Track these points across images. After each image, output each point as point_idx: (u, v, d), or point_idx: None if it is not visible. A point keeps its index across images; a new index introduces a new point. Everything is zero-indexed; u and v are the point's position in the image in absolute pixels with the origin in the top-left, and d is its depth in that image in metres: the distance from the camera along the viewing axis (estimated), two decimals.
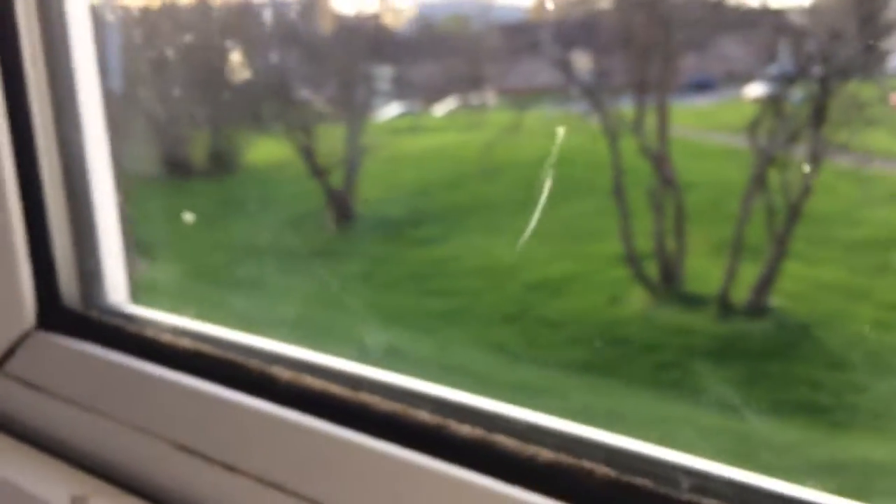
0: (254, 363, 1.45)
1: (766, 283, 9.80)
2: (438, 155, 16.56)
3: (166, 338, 1.54)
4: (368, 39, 16.95)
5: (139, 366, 1.53)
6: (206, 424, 1.43)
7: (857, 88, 10.36)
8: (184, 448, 1.43)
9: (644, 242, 10.88)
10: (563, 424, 1.35)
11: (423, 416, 1.32)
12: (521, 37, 17.38)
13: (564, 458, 1.19)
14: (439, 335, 9.88)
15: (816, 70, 10.78)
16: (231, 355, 1.48)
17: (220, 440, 1.41)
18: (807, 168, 10.01)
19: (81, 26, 1.67)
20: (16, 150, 1.53)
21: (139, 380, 1.51)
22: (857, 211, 11.41)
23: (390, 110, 20.55)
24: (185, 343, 1.52)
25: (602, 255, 11.69)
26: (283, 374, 1.42)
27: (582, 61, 17.55)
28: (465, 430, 1.27)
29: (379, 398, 1.37)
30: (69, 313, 1.61)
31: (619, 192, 11.16)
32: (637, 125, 11.46)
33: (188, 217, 10.96)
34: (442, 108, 17.80)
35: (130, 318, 1.63)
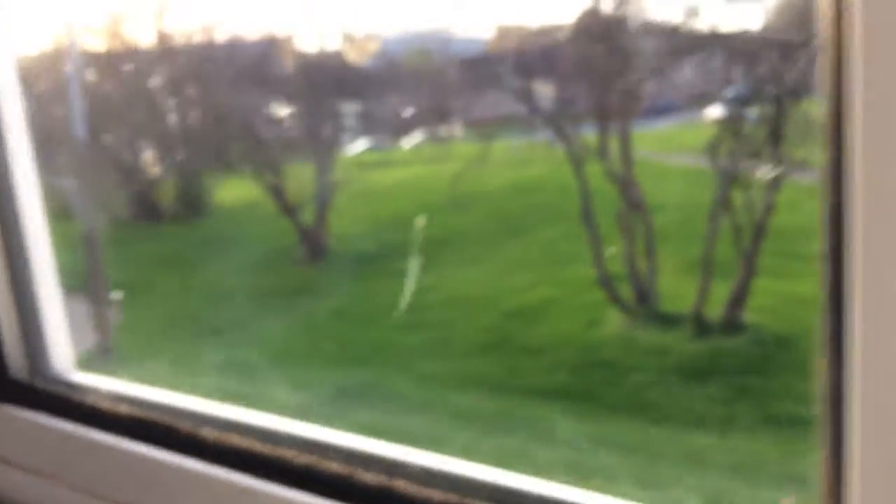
0: (184, 425, 1.51)
1: (738, 299, 9.89)
2: (408, 188, 16.57)
3: (106, 404, 1.58)
4: (333, 76, 16.98)
5: (81, 432, 1.60)
6: (143, 483, 1.51)
7: (811, 106, 10.61)
8: None
9: (617, 265, 10.93)
10: (454, 466, 1.50)
11: (335, 466, 1.43)
12: (483, 69, 17.55)
13: (452, 498, 1.33)
14: (416, 370, 9.77)
15: (770, 90, 11.04)
16: (164, 418, 1.55)
17: (157, 497, 1.48)
18: (769, 185, 10.18)
19: (10, 107, 1.67)
20: None
21: (82, 445, 1.57)
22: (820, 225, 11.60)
23: (358, 145, 20.55)
24: (123, 409, 1.57)
25: (576, 280, 11.73)
26: (211, 434, 1.49)
27: (543, 90, 17.77)
28: (370, 477, 1.40)
29: (296, 451, 1.47)
30: (15, 384, 1.66)
31: (587, 217, 11.23)
32: (601, 151, 11.60)
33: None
34: (409, 142, 17.85)
35: (73, 386, 1.66)
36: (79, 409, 1.63)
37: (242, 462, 1.49)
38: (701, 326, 9.70)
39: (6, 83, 1.63)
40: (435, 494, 1.36)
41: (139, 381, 6.91)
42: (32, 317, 1.71)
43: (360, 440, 1.58)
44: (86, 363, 8.51)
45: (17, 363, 1.70)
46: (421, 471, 1.46)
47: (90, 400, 1.61)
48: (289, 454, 1.45)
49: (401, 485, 1.41)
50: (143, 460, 1.53)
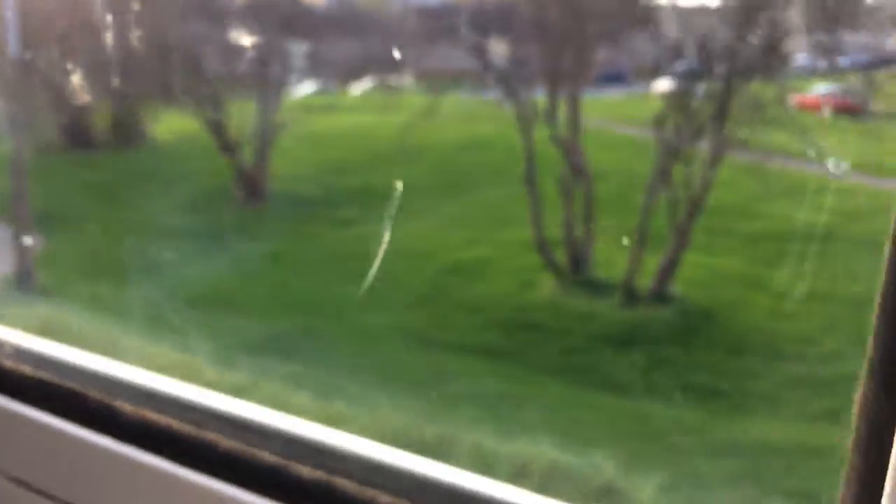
0: (95, 395, 1.32)
1: (667, 271, 10.10)
2: (354, 135, 16.27)
3: (7, 364, 1.39)
4: (284, 13, 16.42)
5: None
6: (45, 459, 1.33)
7: (759, 88, 10.77)
8: (21, 482, 1.33)
9: (556, 230, 11.02)
10: (405, 462, 1.32)
11: (266, 456, 1.24)
12: (439, 20, 17.24)
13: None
14: (351, 320, 9.71)
15: (720, 69, 11.15)
16: (73, 385, 1.35)
17: (59, 476, 1.31)
18: (709, 162, 10.35)
19: None
20: None
21: None
22: (755, 205, 11.90)
23: (305, 87, 20.04)
24: (26, 370, 1.38)
25: (515, 241, 11.78)
26: (126, 407, 1.30)
27: (498, 49, 17.58)
28: (306, 471, 1.22)
29: (222, 436, 1.28)
30: None
31: (530, 180, 11.25)
32: (549, 115, 11.58)
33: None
34: (358, 88, 17.48)
35: None
36: None
37: (160, 443, 1.33)
38: (630, 295, 9.89)
39: None
40: (382, 498, 1.21)
41: (55, 314, 6.65)
42: None
43: (299, 424, 1.41)
44: (3, 290, 8.18)
45: None
46: (366, 466, 1.29)
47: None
48: (214, 437, 1.29)
49: (342, 483, 1.25)
50: (44, 431, 1.35)
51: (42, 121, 15.99)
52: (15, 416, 1.37)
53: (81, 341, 6.22)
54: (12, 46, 11.97)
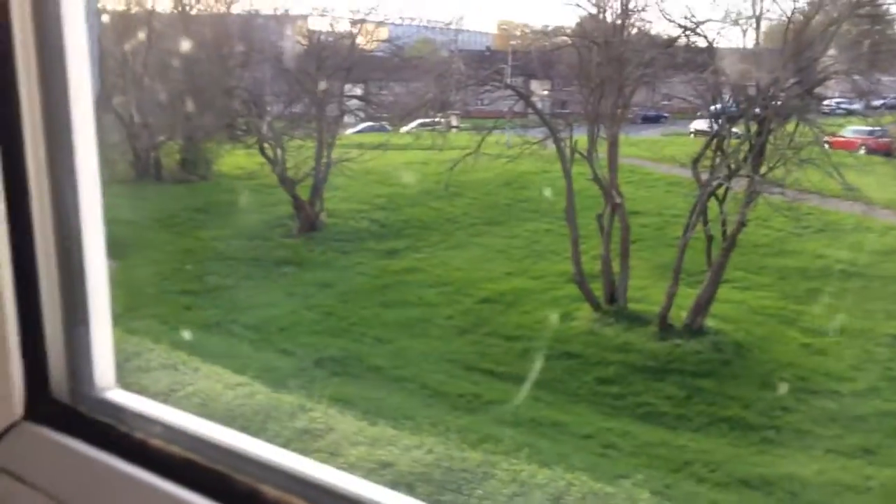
0: (242, 478, 1.31)
1: (703, 305, 9.99)
2: (402, 172, 16.55)
3: (156, 442, 1.39)
4: (341, 58, 16.88)
5: (124, 468, 1.40)
6: None
7: (794, 129, 10.66)
8: None
9: (593, 263, 10.99)
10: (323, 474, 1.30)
11: None
12: (485, 64, 17.49)
13: None
14: (395, 345, 9.81)
15: (756, 111, 11.07)
16: (220, 467, 1.35)
17: None
18: (744, 201, 10.24)
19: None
20: (12, 241, 1.39)
21: (123, 482, 1.38)
22: (789, 242, 11.69)
23: (359, 127, 20.46)
24: (175, 450, 1.38)
25: (553, 273, 11.79)
26: (271, 492, 1.29)
27: (541, 90, 17.69)
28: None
29: None
30: (57, 405, 1.45)
31: (570, 215, 11.30)
32: (589, 153, 11.63)
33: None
34: (408, 127, 17.80)
35: (119, 410, 1.45)
36: (126, 443, 1.42)
37: None
38: (665, 328, 9.80)
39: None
40: None
41: (129, 334, 6.83)
42: (80, 333, 1.49)
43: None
44: None
45: (59, 380, 1.46)
46: (289, 476, 1.29)
47: (139, 436, 1.40)
48: None
49: (268, 490, 1.26)
50: None
51: (117, 156, 16.66)
52: (161, 494, 1.35)
53: (147, 362, 6.41)
54: (94, 88, 12.48)
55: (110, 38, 15.13)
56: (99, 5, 17.23)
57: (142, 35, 18.89)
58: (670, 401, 8.40)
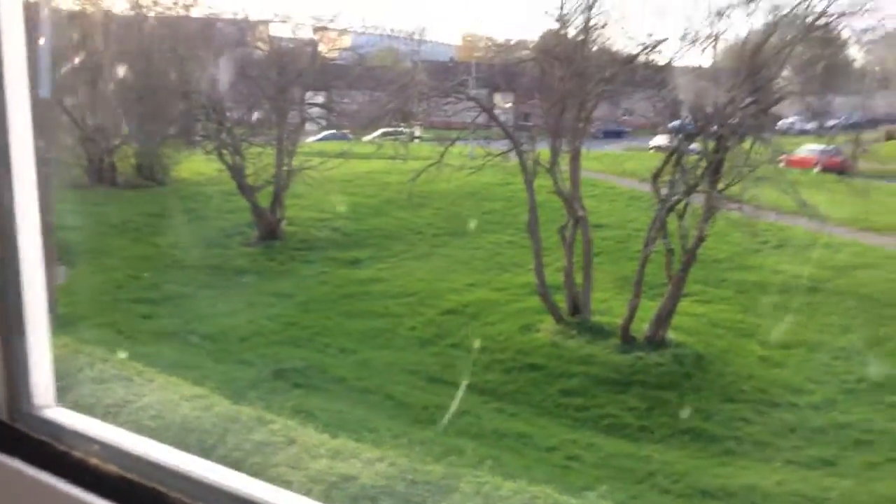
0: (177, 496, 1.28)
1: (664, 318, 10.09)
2: (365, 181, 16.41)
3: (94, 461, 1.34)
4: (303, 65, 16.69)
5: (62, 487, 1.36)
6: None
7: (749, 147, 10.89)
8: None
9: (557, 275, 11.02)
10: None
11: None
12: (448, 75, 17.50)
13: None
14: (358, 356, 9.67)
15: (714, 128, 11.29)
16: (156, 485, 1.31)
17: None
18: (703, 216, 10.40)
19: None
20: None
21: (61, 502, 1.35)
22: (747, 257, 11.92)
23: (321, 135, 20.25)
24: (112, 469, 1.33)
25: (516, 285, 11.78)
26: None
27: (504, 104, 17.76)
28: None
29: None
30: None
31: (532, 228, 11.33)
32: (552, 166, 11.69)
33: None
34: (370, 137, 17.69)
35: (58, 428, 1.39)
36: (65, 463, 1.36)
37: None
38: (627, 340, 9.86)
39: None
40: None
41: (72, 344, 6.55)
42: (18, 350, 1.41)
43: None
44: None
45: None
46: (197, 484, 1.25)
47: (78, 454, 1.34)
48: None
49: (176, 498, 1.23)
50: None
51: (70, 159, 16.15)
52: None
53: (101, 373, 6.14)
54: (44, 88, 12.08)
55: (64, 38, 14.68)
56: (53, 4, 16.78)
57: (97, 36, 18.40)
58: (633, 412, 8.44)
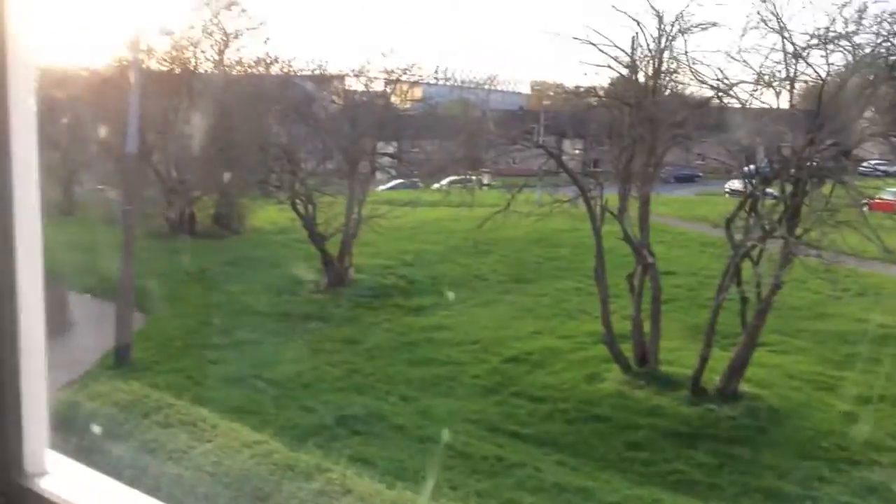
0: None
1: (737, 369, 9.69)
2: (432, 228, 16.64)
3: None
4: (375, 116, 17.25)
5: None
6: None
7: (829, 191, 10.48)
8: None
9: (624, 323, 10.79)
10: None
11: None
12: (517, 123, 17.68)
13: None
14: (419, 404, 9.67)
15: (791, 172, 10.92)
16: None
17: None
18: (779, 262, 10.00)
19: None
20: None
21: None
22: (826, 305, 11.34)
23: (390, 183, 20.71)
24: None
25: (581, 333, 11.59)
26: None
27: (572, 150, 17.79)
28: None
29: None
30: None
31: (599, 274, 11.16)
32: (621, 212, 11.54)
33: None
34: (438, 184, 17.97)
35: (43, 501, 1.39)
36: None
37: None
38: (698, 392, 9.50)
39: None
40: None
41: (145, 391, 6.83)
42: (11, 415, 1.36)
43: None
44: (103, 365, 8.52)
45: None
46: None
47: None
48: None
49: None
50: None
51: (153, 210, 17.06)
52: None
53: (167, 418, 6.38)
54: (131, 143, 12.82)
55: (152, 96, 15.67)
56: (143, 66, 17.98)
57: (182, 94, 19.56)
58: (703, 468, 8.08)
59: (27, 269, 1.47)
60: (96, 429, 7.50)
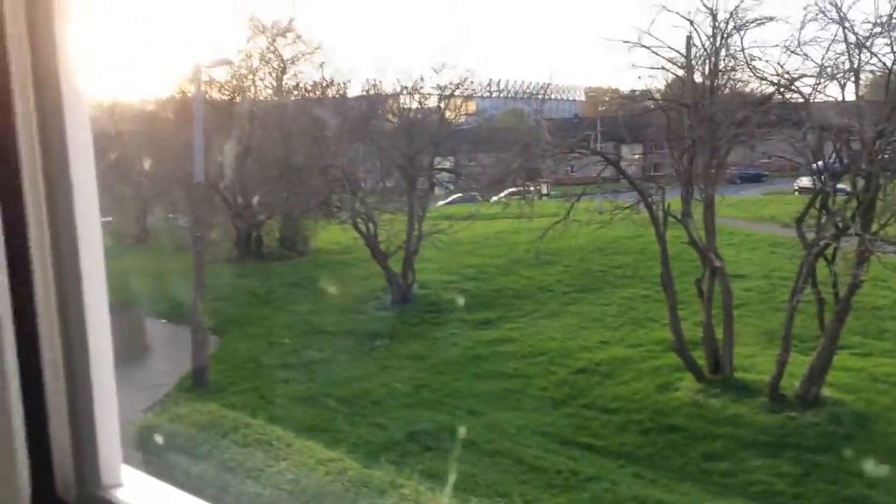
0: None
1: (817, 374, 9.32)
2: (493, 241, 16.61)
3: None
4: (430, 133, 17.38)
5: None
6: None
7: None
8: None
9: (694, 330, 10.53)
10: None
11: None
12: (573, 131, 17.55)
13: None
14: (488, 418, 9.63)
15: (863, 166, 10.49)
16: None
17: None
18: (856, 261, 9.61)
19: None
20: (18, 336, 1.37)
21: None
22: None
23: (449, 198, 20.80)
24: None
25: (651, 342, 11.37)
26: None
27: (631, 155, 17.52)
28: None
29: None
30: None
31: (666, 281, 10.92)
32: (684, 216, 11.28)
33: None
34: (497, 197, 17.95)
35: None
36: None
37: None
38: (777, 398, 9.18)
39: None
40: None
41: (221, 412, 7.01)
42: (86, 430, 1.42)
43: None
44: (182, 387, 8.78)
45: (65, 481, 1.40)
46: None
47: None
48: None
49: None
50: None
51: (221, 236, 17.55)
52: None
53: (244, 437, 6.53)
54: (198, 172, 13.25)
55: (215, 125, 16.17)
56: (205, 95, 18.62)
57: (244, 121, 20.15)
58: (786, 478, 7.78)
59: (93, 292, 1.52)
60: (178, 449, 7.75)
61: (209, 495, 6.27)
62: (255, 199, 18.18)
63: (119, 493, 1.47)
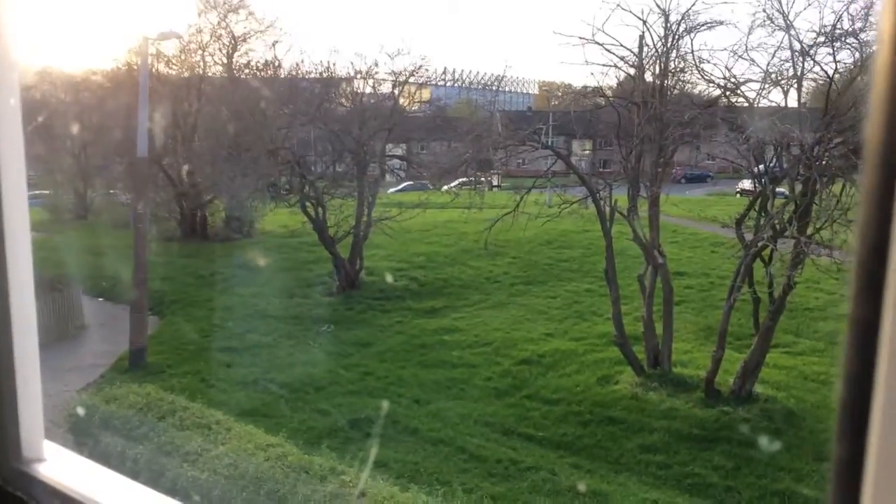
0: None
1: (751, 370, 9.60)
2: (442, 230, 16.57)
3: None
4: (383, 119, 17.23)
5: None
6: None
7: (840, 190, 10.37)
8: None
9: (636, 325, 10.71)
10: None
11: None
12: (526, 124, 17.65)
13: None
14: (432, 406, 9.62)
15: (801, 171, 10.81)
16: None
17: None
18: (791, 262, 9.91)
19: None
20: None
21: None
22: (841, 305, 11.26)
23: (400, 185, 20.66)
24: None
25: (594, 335, 11.52)
26: None
27: (581, 150, 17.71)
28: None
29: None
30: None
31: (610, 276, 11.08)
32: (630, 213, 11.46)
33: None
34: (448, 186, 17.93)
35: (38, 484, 1.38)
36: None
37: None
38: (712, 394, 9.42)
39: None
40: None
41: (160, 394, 6.81)
42: (7, 400, 1.38)
43: None
44: (118, 368, 8.51)
45: None
46: None
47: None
48: None
49: None
50: None
51: (165, 214, 17.07)
52: None
53: (182, 421, 6.37)
54: (141, 147, 12.83)
55: (161, 100, 15.67)
56: (151, 69, 18.01)
57: (191, 99, 19.58)
58: (719, 471, 8.00)
59: (17, 263, 1.47)
60: (113, 431, 7.50)
61: (145, 479, 6.10)
62: (201, 178, 17.76)
63: (40, 468, 1.43)
